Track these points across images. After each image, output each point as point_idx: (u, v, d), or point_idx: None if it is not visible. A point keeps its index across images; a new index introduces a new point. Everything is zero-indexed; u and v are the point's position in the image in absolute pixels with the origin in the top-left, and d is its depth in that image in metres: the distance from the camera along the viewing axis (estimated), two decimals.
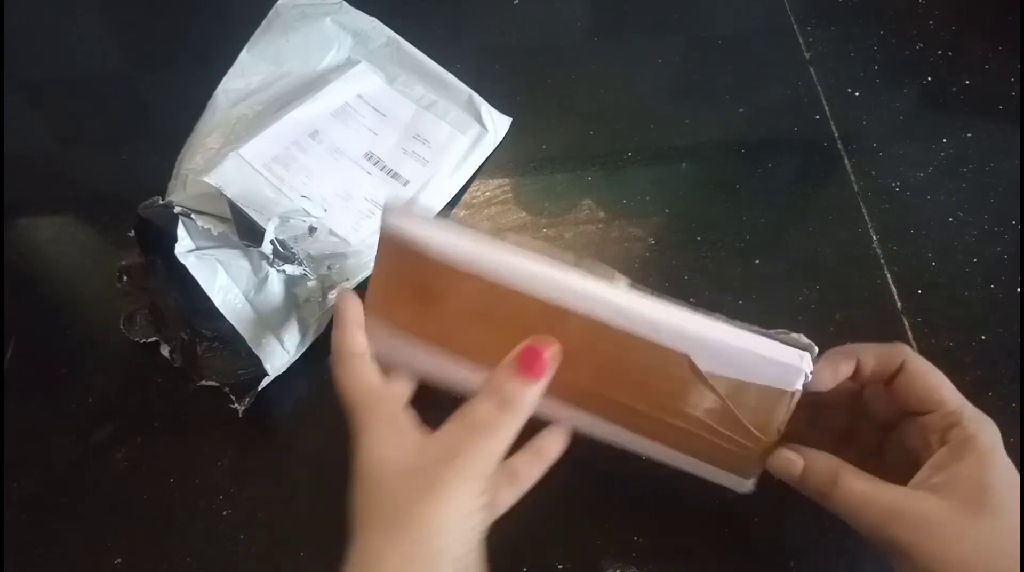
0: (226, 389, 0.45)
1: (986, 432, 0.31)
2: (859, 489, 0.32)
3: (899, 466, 0.34)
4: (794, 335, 0.34)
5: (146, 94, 0.62)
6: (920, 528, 0.30)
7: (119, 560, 0.42)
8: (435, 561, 0.29)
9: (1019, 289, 0.49)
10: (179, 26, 0.65)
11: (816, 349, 0.34)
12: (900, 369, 0.34)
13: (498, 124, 0.57)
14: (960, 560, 0.29)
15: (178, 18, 0.65)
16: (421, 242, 0.34)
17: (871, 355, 0.35)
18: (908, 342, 0.47)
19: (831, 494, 0.32)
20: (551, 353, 0.31)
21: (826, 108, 0.58)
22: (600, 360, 0.34)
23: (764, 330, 0.34)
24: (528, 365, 0.31)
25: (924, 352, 0.47)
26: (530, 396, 0.31)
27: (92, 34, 0.66)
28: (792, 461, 0.34)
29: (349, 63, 0.57)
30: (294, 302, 0.47)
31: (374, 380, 0.35)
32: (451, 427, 0.31)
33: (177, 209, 0.45)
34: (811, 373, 0.34)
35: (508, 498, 0.36)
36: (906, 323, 0.48)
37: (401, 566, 0.29)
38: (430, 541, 0.29)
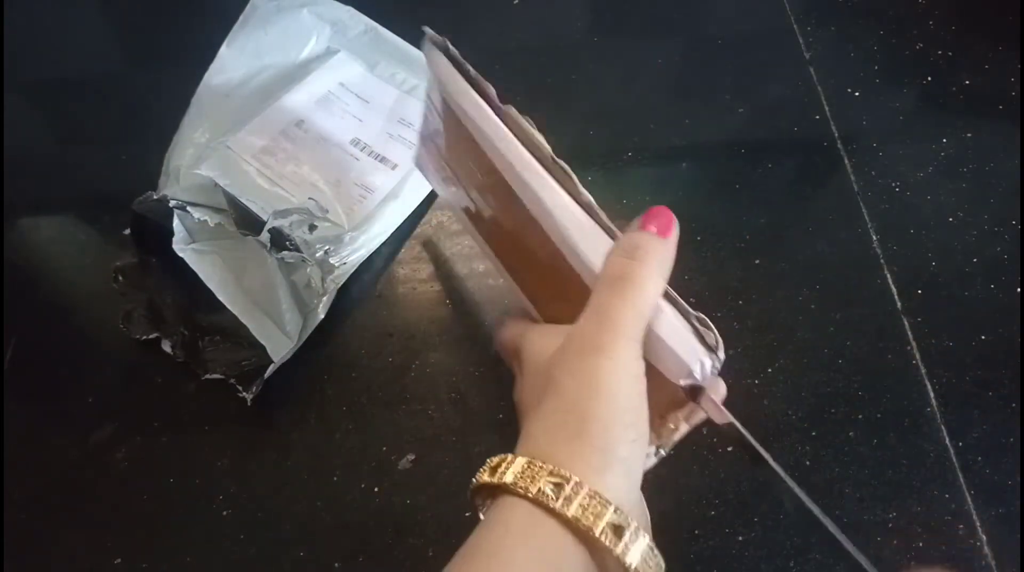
0: (232, 380, 0.46)
1: None
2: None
3: None
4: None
5: (146, 94, 0.62)
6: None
7: (119, 560, 0.42)
8: (608, 420, 0.27)
9: (1019, 289, 0.49)
10: (180, 25, 0.65)
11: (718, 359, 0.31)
12: None
13: None
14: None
15: (179, 17, 0.65)
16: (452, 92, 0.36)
17: None
18: (908, 342, 0.47)
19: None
20: (673, 216, 0.31)
21: (826, 108, 0.58)
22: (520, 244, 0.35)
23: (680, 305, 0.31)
24: (651, 220, 0.31)
25: (924, 352, 0.47)
26: (659, 245, 0.30)
27: (92, 34, 0.66)
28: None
29: (328, 53, 0.58)
30: (293, 288, 0.47)
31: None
32: (594, 293, 0.31)
33: (172, 202, 0.45)
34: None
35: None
36: (906, 323, 0.48)
37: (575, 428, 0.27)
38: (600, 397, 0.27)
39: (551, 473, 0.26)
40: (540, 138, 0.34)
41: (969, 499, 0.42)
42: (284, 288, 0.46)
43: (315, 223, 0.48)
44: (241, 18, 0.57)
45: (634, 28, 0.64)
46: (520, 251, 0.37)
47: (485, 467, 0.28)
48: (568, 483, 0.26)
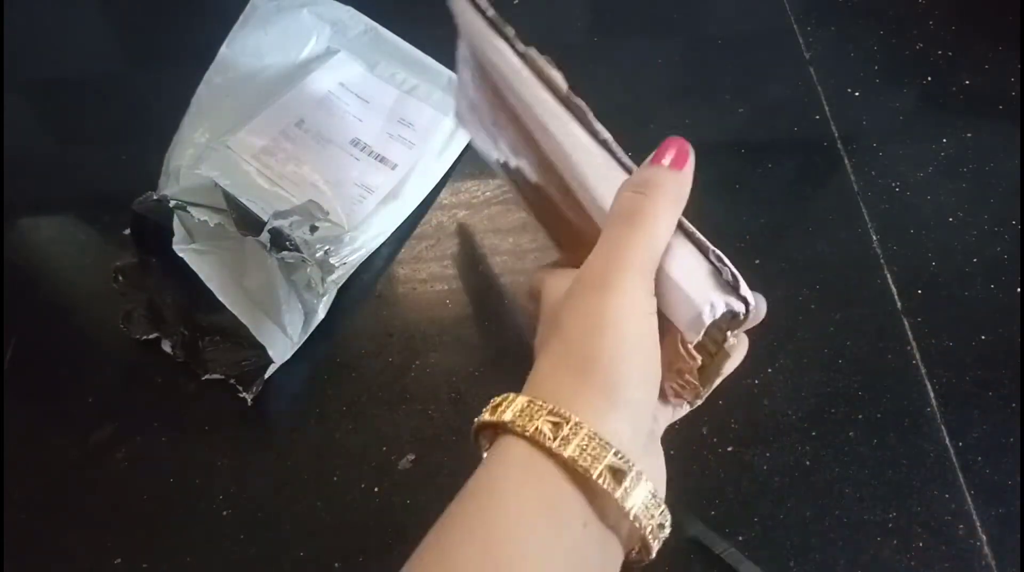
0: (232, 381, 0.46)
1: None
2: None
3: None
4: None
5: (146, 94, 0.62)
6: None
7: (119, 560, 0.42)
8: (614, 359, 0.26)
9: (1019, 289, 0.49)
10: (180, 25, 0.65)
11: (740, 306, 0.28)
12: None
13: None
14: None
15: (179, 17, 0.65)
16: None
17: None
18: (908, 342, 0.47)
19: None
20: (688, 148, 0.30)
21: (826, 108, 0.58)
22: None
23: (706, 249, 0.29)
24: (665, 152, 0.29)
25: (924, 352, 0.47)
26: (671, 179, 0.29)
27: (92, 34, 0.66)
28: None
29: (328, 53, 0.58)
30: (293, 289, 0.47)
31: None
32: (604, 230, 0.29)
33: (172, 202, 0.45)
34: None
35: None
36: (906, 323, 0.48)
37: (579, 367, 0.26)
38: (606, 335, 0.26)
39: (551, 412, 0.25)
40: (558, 76, 0.34)
41: (969, 499, 0.42)
42: (284, 288, 0.46)
43: (315, 224, 0.48)
44: (241, 18, 0.57)
45: (634, 28, 0.64)
46: (548, 200, 0.36)
47: (488, 406, 0.27)
48: (567, 423, 0.25)
